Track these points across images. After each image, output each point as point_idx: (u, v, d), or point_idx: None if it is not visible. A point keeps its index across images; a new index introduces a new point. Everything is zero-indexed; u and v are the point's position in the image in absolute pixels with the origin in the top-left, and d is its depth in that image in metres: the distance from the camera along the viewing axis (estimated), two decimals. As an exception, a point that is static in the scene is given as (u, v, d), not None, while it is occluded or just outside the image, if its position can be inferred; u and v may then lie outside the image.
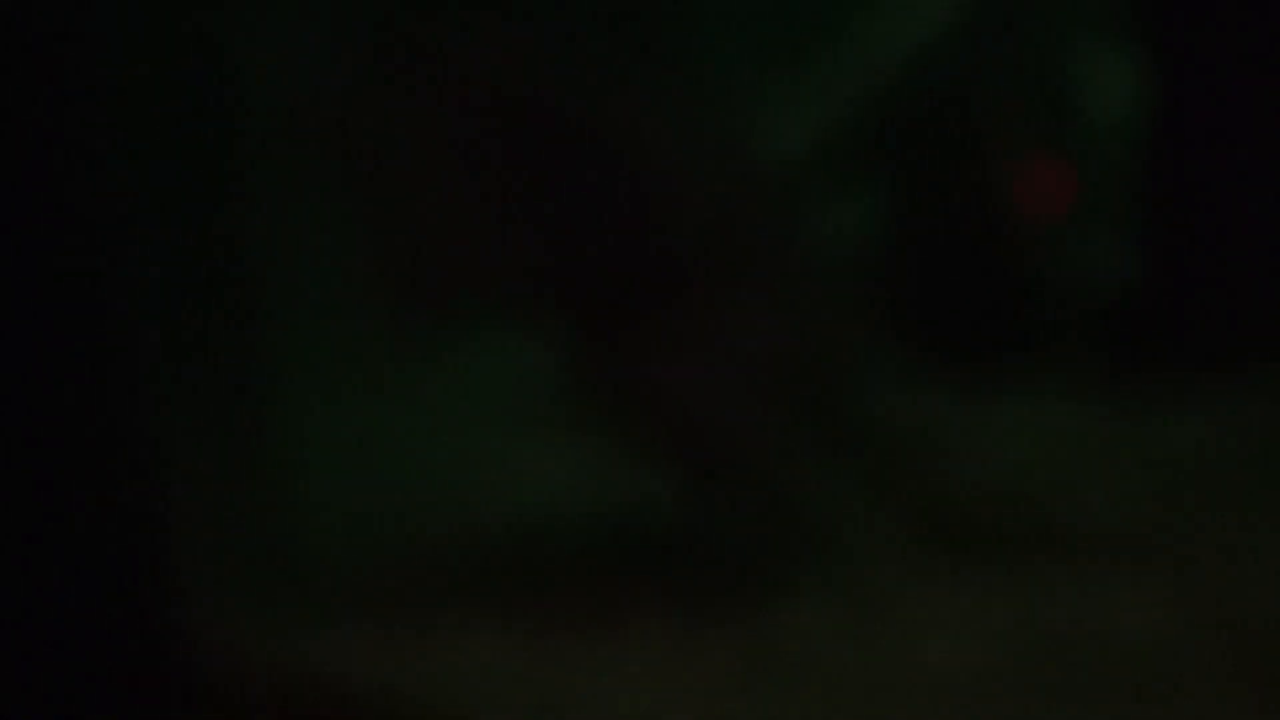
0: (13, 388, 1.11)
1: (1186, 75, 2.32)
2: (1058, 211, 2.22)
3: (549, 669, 1.42)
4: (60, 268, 1.13)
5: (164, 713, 1.17)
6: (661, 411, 1.55)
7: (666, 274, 1.54)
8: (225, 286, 1.53)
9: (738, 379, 1.55)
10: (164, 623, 1.18)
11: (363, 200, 1.57)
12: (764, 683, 1.39)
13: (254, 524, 1.54)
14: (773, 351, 1.56)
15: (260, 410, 1.57)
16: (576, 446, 1.99)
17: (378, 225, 1.57)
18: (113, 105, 1.26)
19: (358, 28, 1.57)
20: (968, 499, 1.74)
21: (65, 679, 1.12)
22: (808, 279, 1.62)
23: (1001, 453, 2.04)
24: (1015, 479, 1.94)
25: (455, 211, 1.53)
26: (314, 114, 1.54)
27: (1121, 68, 2.94)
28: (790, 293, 1.60)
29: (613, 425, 1.66)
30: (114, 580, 1.15)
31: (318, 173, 1.59)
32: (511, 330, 1.77)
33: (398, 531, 1.82)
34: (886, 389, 2.10)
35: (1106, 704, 1.40)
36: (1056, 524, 1.77)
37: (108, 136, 1.18)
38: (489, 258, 1.55)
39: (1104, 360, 2.18)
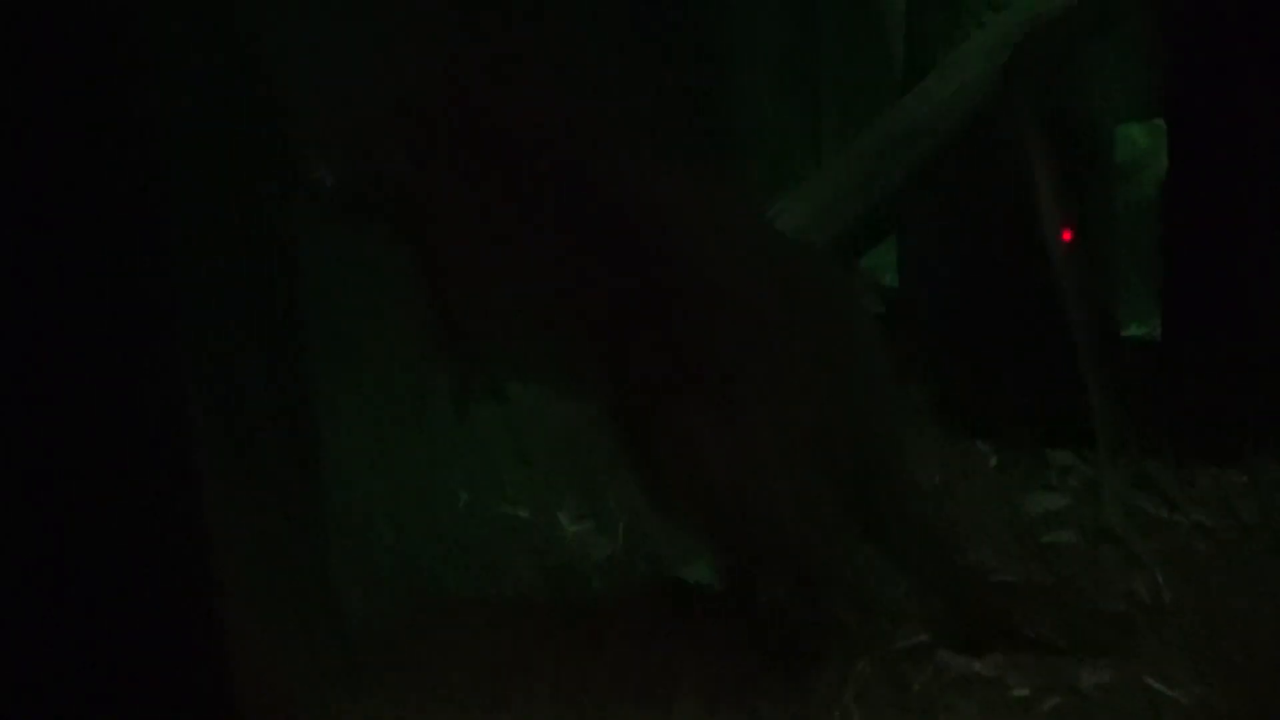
0: (52, 414, 1.11)
1: (1208, 133, 2.33)
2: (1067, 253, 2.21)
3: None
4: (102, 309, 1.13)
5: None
6: (703, 489, 1.54)
7: (710, 351, 1.54)
8: (274, 337, 1.53)
9: (781, 459, 1.54)
10: (203, 668, 1.18)
11: (412, 250, 1.56)
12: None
13: (291, 575, 1.54)
14: (816, 430, 1.55)
15: (303, 466, 1.57)
16: (621, 516, 2.00)
17: (427, 279, 1.56)
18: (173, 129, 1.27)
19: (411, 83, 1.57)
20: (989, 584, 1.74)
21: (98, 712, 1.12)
22: (854, 357, 1.62)
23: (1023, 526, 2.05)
24: (1038, 558, 1.94)
25: (504, 276, 1.53)
26: (363, 162, 1.53)
27: (1147, 129, 2.96)
28: (836, 371, 1.59)
29: (657, 499, 1.66)
30: (151, 619, 1.16)
31: (363, 219, 1.58)
32: (559, 394, 1.78)
33: (436, 592, 1.82)
34: (920, 465, 2.11)
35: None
36: (1080, 608, 1.77)
37: (162, 169, 1.19)
38: (533, 324, 1.55)
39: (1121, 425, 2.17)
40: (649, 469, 1.58)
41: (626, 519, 2.02)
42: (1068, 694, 1.56)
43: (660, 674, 1.57)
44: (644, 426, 1.55)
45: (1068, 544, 2.00)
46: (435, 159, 1.51)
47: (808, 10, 3.23)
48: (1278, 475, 2.12)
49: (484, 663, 1.60)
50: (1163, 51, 2.36)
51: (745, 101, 2.95)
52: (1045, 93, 2.27)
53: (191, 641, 1.18)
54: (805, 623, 1.61)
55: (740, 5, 2.96)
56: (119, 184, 1.10)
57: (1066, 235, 2.18)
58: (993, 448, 2.28)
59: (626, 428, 1.58)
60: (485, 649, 1.65)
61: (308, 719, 1.38)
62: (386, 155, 1.50)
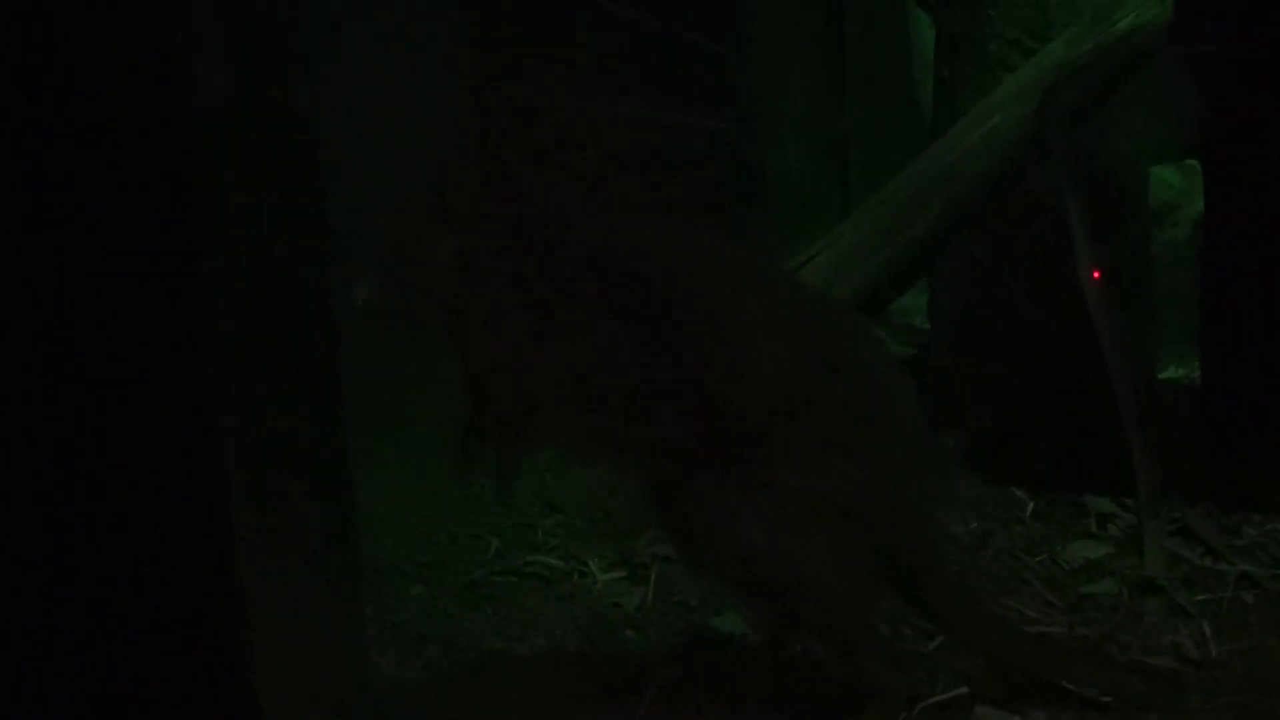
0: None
1: (1244, 173, 2.30)
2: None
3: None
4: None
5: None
6: (739, 551, 1.51)
7: (745, 416, 1.51)
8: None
9: (817, 520, 1.51)
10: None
11: (455, 345, 1.53)
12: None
13: (320, 626, 1.51)
14: (851, 491, 1.52)
15: (335, 513, 1.54)
16: (652, 565, 1.97)
17: (470, 371, 1.53)
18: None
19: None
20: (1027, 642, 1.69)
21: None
22: (888, 414, 1.58)
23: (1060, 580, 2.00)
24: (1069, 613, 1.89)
25: (548, 361, 1.50)
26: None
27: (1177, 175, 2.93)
28: (871, 429, 1.56)
29: (691, 557, 1.63)
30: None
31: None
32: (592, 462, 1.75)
33: (465, 641, 1.80)
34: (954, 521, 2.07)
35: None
36: (1125, 661, 1.72)
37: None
38: (575, 403, 1.51)
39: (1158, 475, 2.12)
40: (682, 529, 1.56)
41: (657, 568, 1.99)
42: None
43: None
44: (678, 489, 1.52)
45: (1109, 595, 1.95)
46: (485, 263, 1.48)
47: (835, 60, 3.23)
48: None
49: (514, 716, 1.57)
50: (1196, 92, 2.34)
51: (773, 153, 2.95)
52: (1077, 136, 2.25)
53: (218, 692, 1.16)
54: (841, 677, 1.57)
55: (767, 56, 2.96)
56: (170, 245, 1.09)
57: (1096, 274, 2.15)
58: (1029, 494, 2.24)
59: (660, 489, 1.55)
60: (515, 702, 1.62)
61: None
62: (437, 267, 1.47)
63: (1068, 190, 2.19)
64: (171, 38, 1.04)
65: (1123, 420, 2.11)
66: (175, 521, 1.12)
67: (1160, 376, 2.53)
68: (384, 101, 1.94)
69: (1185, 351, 2.57)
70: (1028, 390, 2.38)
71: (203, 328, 1.10)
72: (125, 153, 1.01)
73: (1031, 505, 2.22)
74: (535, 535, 2.10)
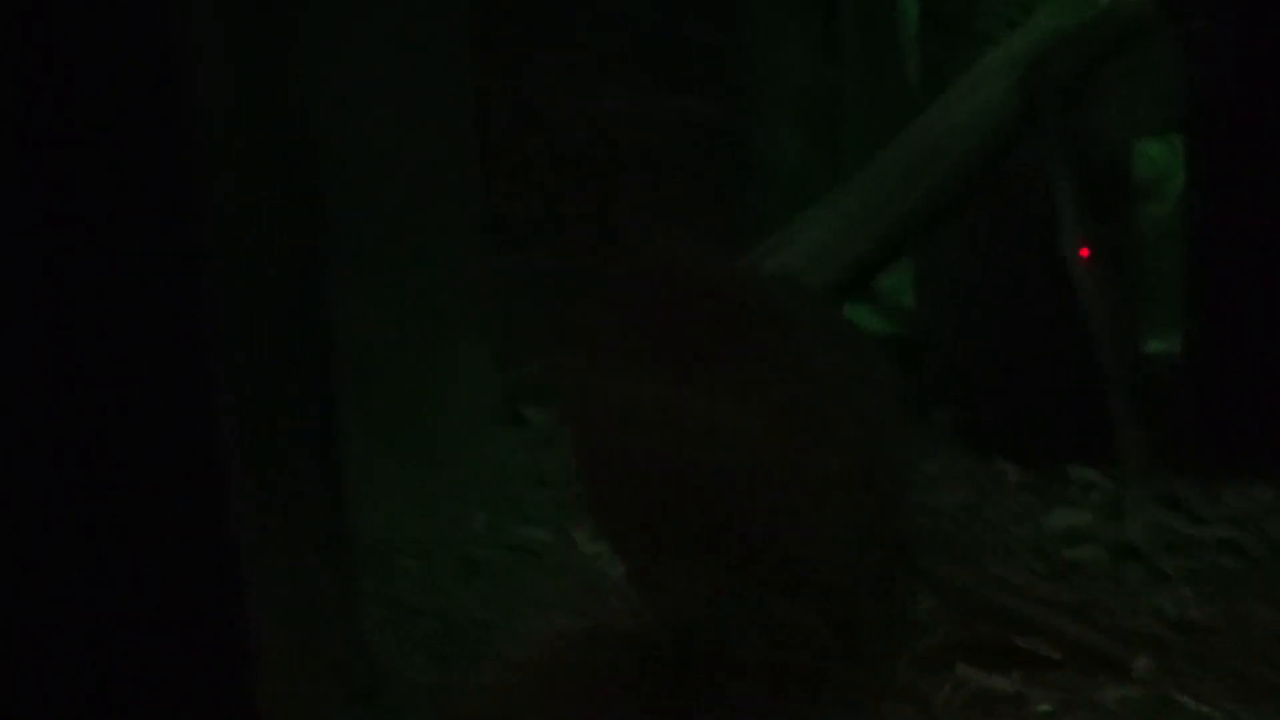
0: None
1: (1227, 147, 2.32)
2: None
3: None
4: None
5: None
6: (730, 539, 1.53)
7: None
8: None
9: (810, 506, 1.54)
10: (228, 694, 1.19)
11: None
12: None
13: (317, 605, 1.54)
14: (844, 471, 1.55)
15: (330, 492, 1.57)
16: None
17: None
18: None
19: None
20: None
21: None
22: (869, 400, 1.61)
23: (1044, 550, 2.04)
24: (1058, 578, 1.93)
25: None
26: None
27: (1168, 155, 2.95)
28: (856, 419, 1.59)
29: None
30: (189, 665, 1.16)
31: None
32: None
33: (456, 614, 1.82)
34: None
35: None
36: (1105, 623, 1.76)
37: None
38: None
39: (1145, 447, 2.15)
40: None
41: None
42: (1092, 710, 1.55)
43: (677, 694, 1.57)
44: None
45: (1091, 560, 1.99)
46: None
47: (826, 38, 3.24)
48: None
49: (503, 685, 1.61)
50: (1181, 67, 2.36)
51: (769, 140, 2.95)
52: (1063, 110, 2.27)
53: (216, 666, 1.19)
54: (828, 639, 1.61)
55: (763, 45, 2.97)
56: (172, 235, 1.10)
57: (1084, 251, 2.18)
58: (1015, 466, 2.28)
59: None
60: (507, 671, 1.65)
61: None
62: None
63: (1056, 165, 2.21)
64: (171, 38, 1.05)
65: (1108, 392, 2.15)
66: (177, 509, 1.14)
67: (1144, 348, 2.56)
68: (384, 101, 1.95)
69: (1169, 325, 2.60)
70: (1014, 364, 2.41)
71: (203, 327, 1.12)
72: (126, 153, 1.03)
73: (1015, 475, 2.26)
74: (523, 509, 2.13)
